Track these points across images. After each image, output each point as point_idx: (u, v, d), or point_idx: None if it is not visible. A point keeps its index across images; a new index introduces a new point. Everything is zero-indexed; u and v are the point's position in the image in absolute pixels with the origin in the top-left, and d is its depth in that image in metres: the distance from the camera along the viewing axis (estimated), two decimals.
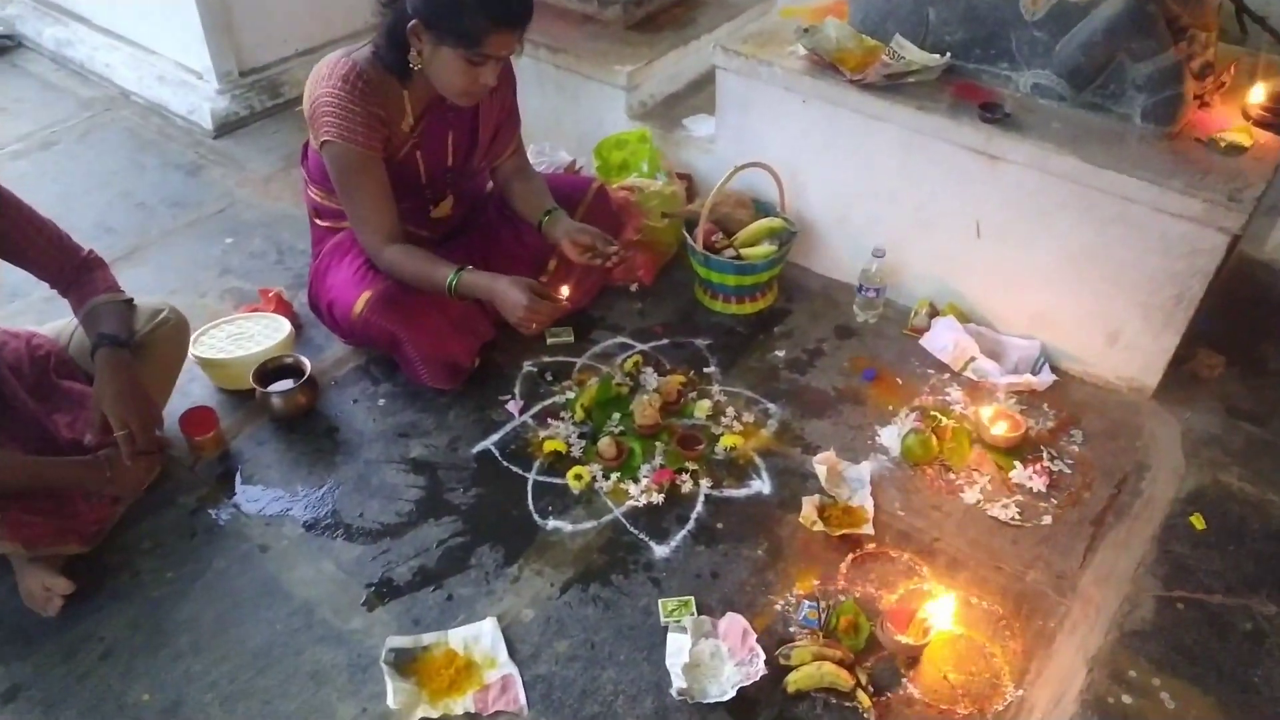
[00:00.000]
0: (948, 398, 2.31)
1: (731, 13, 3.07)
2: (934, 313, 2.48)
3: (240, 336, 2.32)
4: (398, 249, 2.12)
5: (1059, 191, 2.14)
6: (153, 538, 1.98)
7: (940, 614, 1.79)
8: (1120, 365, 2.30)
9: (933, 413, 2.23)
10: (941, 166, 2.28)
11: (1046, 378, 2.32)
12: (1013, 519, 2.03)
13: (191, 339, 2.26)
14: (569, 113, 2.94)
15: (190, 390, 2.29)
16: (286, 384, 2.21)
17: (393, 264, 2.13)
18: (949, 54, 2.33)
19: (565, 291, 2.21)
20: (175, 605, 1.86)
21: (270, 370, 2.23)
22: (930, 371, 2.38)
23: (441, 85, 2.02)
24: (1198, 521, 2.03)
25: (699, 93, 2.87)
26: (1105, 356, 2.30)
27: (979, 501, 2.06)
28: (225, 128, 3.30)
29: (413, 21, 1.93)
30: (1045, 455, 2.16)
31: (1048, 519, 2.03)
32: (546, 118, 2.98)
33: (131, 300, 2.06)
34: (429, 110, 2.14)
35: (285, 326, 2.35)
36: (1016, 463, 2.13)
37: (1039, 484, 2.09)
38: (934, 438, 2.15)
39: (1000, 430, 2.16)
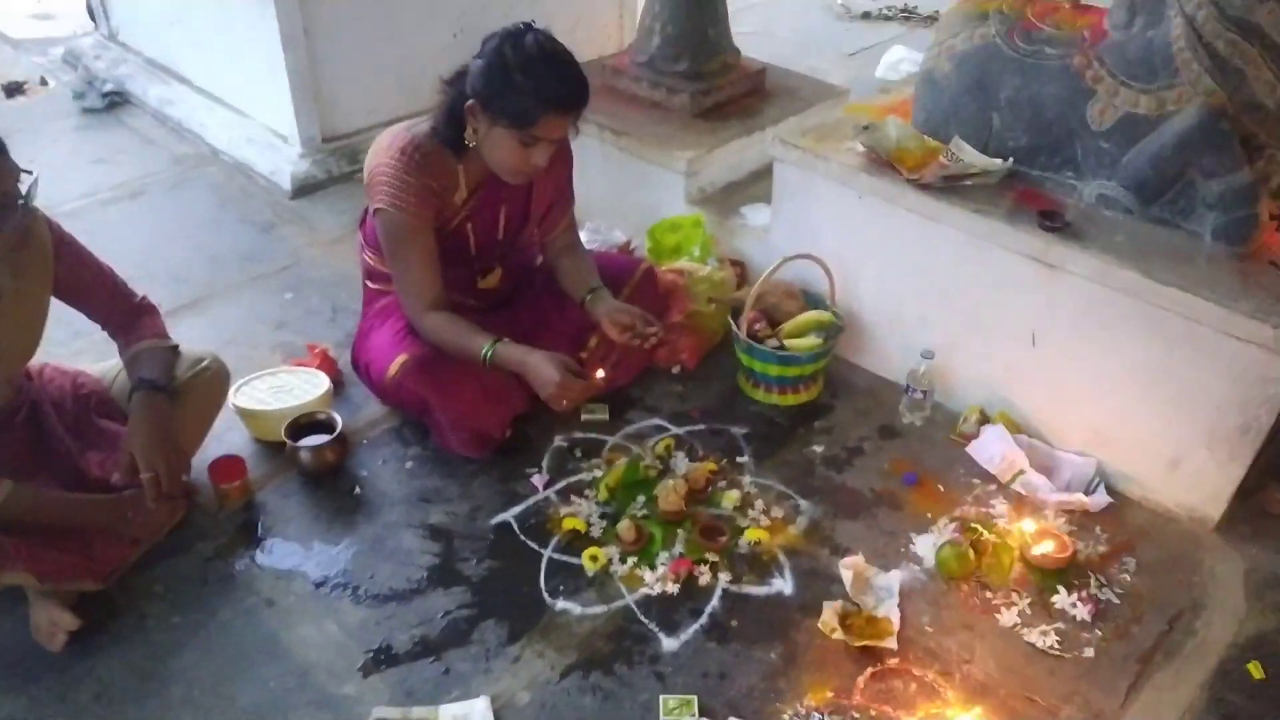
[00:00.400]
0: (992, 510, 2.19)
1: (800, 106, 3.08)
2: (984, 420, 2.38)
3: (280, 389, 2.35)
4: (439, 316, 2.14)
5: (1120, 305, 2.05)
6: (165, 582, 1.98)
7: None
8: (1181, 493, 2.16)
9: (973, 525, 2.11)
10: (997, 271, 2.22)
11: (1101, 499, 2.18)
12: (1051, 648, 1.89)
13: (233, 389, 2.30)
14: (629, 194, 2.96)
15: (228, 438, 2.32)
16: (317, 439, 2.22)
17: (432, 330, 2.14)
18: (1011, 159, 2.28)
19: (601, 373, 2.18)
20: (175, 653, 1.84)
21: (303, 425, 2.25)
22: (975, 481, 2.27)
23: (494, 163, 2.06)
24: (1255, 670, 1.86)
25: (759, 182, 2.87)
26: (1166, 482, 2.17)
27: (1016, 625, 1.93)
28: (303, 189, 3.42)
29: (470, 101, 1.98)
30: (1093, 582, 2.02)
31: (1090, 651, 1.88)
32: (606, 197, 3.02)
33: (176, 347, 2.12)
34: (482, 184, 2.17)
35: (324, 382, 2.37)
36: (1060, 587, 2.00)
37: (1083, 612, 1.95)
38: (972, 552, 2.03)
39: (1045, 550, 2.03)
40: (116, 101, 4.04)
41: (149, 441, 1.91)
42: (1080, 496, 2.16)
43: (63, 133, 3.89)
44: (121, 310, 2.05)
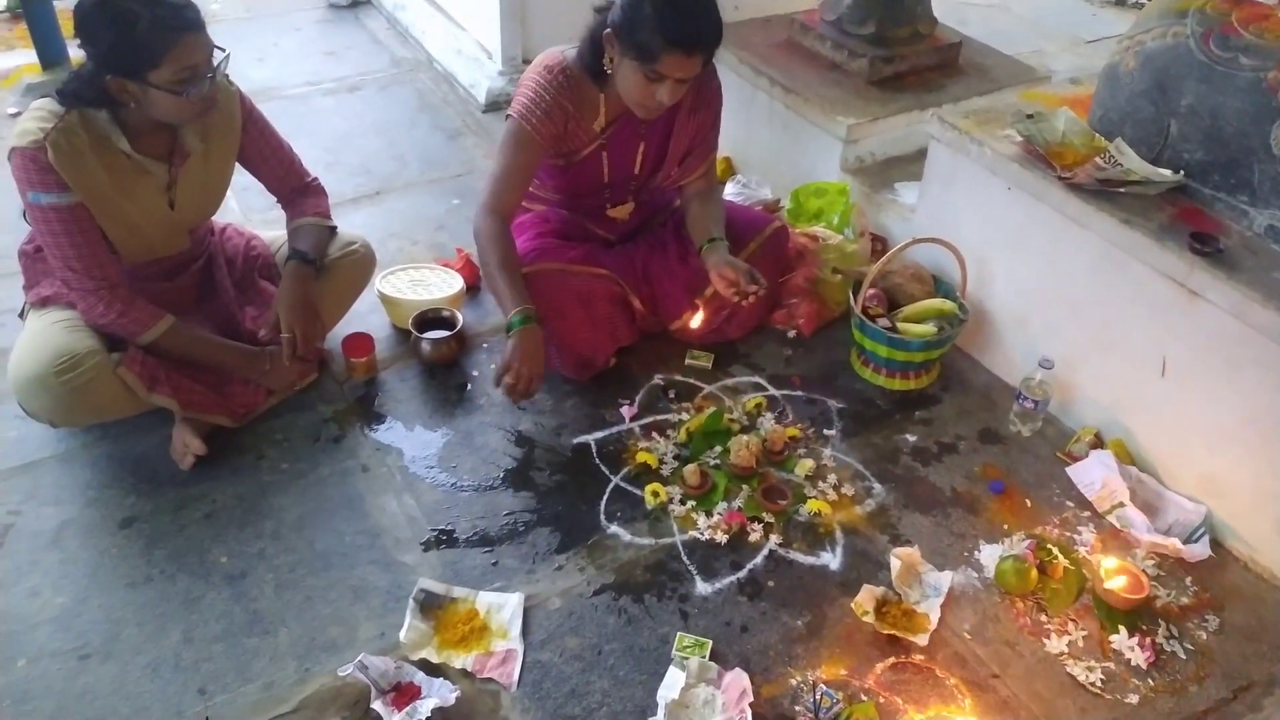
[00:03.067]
0: (1076, 537, 2.09)
1: (988, 87, 2.93)
2: (1098, 444, 2.25)
3: (419, 283, 2.56)
4: (496, 224, 2.17)
5: (1255, 346, 1.88)
6: (285, 432, 2.24)
7: None
8: None
9: (1049, 546, 2.03)
10: (1135, 289, 2.08)
11: (1201, 550, 2.03)
12: (1093, 684, 1.81)
13: (379, 276, 2.53)
14: (788, 153, 2.95)
15: (370, 319, 2.56)
16: (439, 334, 2.41)
17: (479, 231, 2.17)
18: (1181, 172, 2.11)
19: (697, 320, 2.22)
20: (276, 493, 2.09)
21: (429, 318, 2.44)
22: (1068, 504, 2.16)
23: (623, 94, 2.13)
24: None
25: (923, 160, 2.78)
26: (1275, 546, 1.99)
27: (1062, 654, 1.86)
28: (494, 105, 3.62)
29: (608, 29, 2.05)
30: (1163, 630, 1.91)
31: (1134, 698, 1.79)
32: (767, 153, 3.02)
33: (334, 228, 2.35)
34: (623, 116, 2.24)
35: (458, 283, 2.56)
36: (1124, 628, 1.90)
37: (1140, 658, 1.85)
38: (1035, 571, 1.96)
39: (1116, 585, 1.93)
40: (360, 1, 4.39)
41: (293, 306, 2.15)
42: (1176, 542, 2.02)
43: (307, 23, 4.29)
44: (293, 186, 2.30)
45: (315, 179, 2.34)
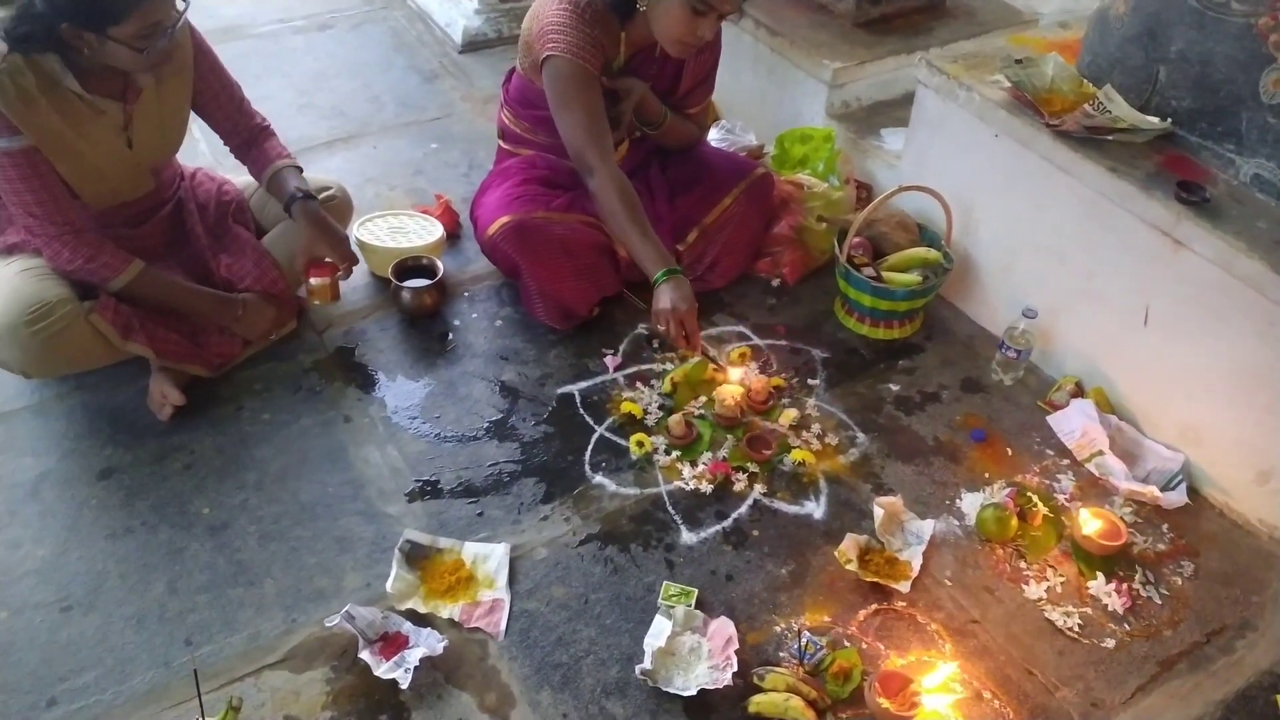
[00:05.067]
0: (1055, 485, 2.11)
1: (975, 30, 2.89)
2: (1079, 393, 2.27)
3: (398, 230, 2.51)
4: (622, 177, 2.14)
5: (1239, 297, 1.89)
6: (265, 382, 2.21)
7: (937, 694, 1.68)
8: (1266, 509, 2.01)
9: (1029, 494, 2.05)
10: (1120, 238, 2.07)
11: (1178, 498, 2.07)
12: (1070, 629, 1.84)
13: (357, 223, 2.48)
14: (773, 98, 2.91)
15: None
16: (419, 282, 2.38)
17: (611, 182, 2.12)
18: (1170, 120, 2.10)
19: (736, 375, 2.26)
20: (258, 444, 2.07)
21: (409, 267, 2.40)
22: (1049, 452, 2.19)
23: (660, 30, 2.10)
24: None
25: (909, 106, 2.75)
26: (1251, 494, 2.02)
27: (1040, 600, 1.89)
28: (471, 45, 3.54)
29: None
30: (1139, 576, 1.94)
31: (1110, 642, 1.83)
32: (751, 98, 2.97)
33: (300, 169, 2.27)
34: (639, 55, 2.23)
35: (438, 230, 2.51)
36: (1101, 574, 1.93)
37: (1117, 604, 1.88)
38: (1015, 519, 1.98)
39: (1092, 531, 1.96)
40: None
41: (331, 239, 2.15)
42: (1154, 490, 2.05)
43: None
44: (245, 127, 2.21)
45: (265, 120, 2.25)
